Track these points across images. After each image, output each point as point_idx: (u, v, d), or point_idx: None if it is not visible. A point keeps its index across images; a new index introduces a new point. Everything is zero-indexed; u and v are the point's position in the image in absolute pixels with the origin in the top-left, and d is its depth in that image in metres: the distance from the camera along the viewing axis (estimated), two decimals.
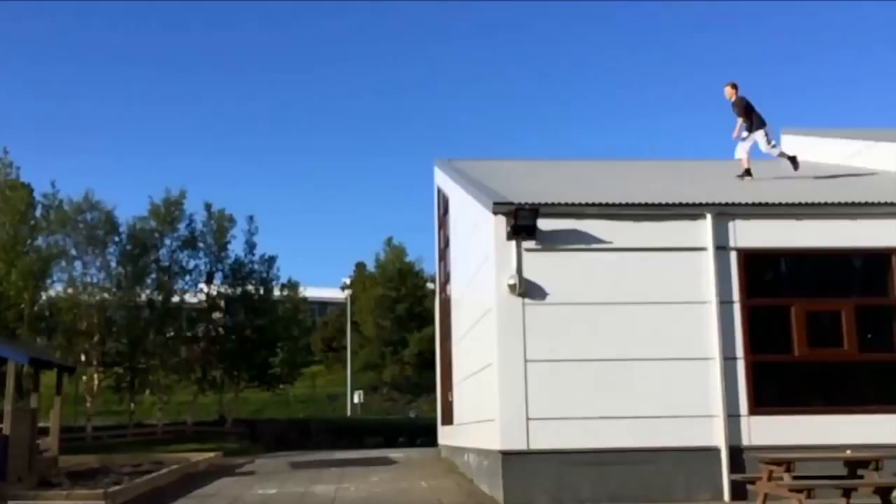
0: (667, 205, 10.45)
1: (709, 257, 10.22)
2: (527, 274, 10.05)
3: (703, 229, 10.30)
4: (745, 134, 13.33)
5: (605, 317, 10.13)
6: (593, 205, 10.32)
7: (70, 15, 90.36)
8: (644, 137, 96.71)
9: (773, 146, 13.48)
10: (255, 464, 18.09)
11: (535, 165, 16.66)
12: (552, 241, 10.20)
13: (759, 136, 13.19)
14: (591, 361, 10.00)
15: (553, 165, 16.57)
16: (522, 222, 9.92)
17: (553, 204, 10.28)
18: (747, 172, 13.37)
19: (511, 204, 10.10)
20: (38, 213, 32.30)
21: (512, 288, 9.97)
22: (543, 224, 10.07)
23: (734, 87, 13.37)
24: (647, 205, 10.40)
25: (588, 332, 10.09)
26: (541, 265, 10.13)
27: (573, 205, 10.33)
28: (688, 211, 10.38)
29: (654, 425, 9.87)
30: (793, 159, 13.35)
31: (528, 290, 10.03)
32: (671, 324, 10.13)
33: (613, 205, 10.35)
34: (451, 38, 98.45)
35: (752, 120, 13.21)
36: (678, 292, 10.22)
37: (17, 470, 13.21)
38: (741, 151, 13.51)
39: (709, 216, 10.29)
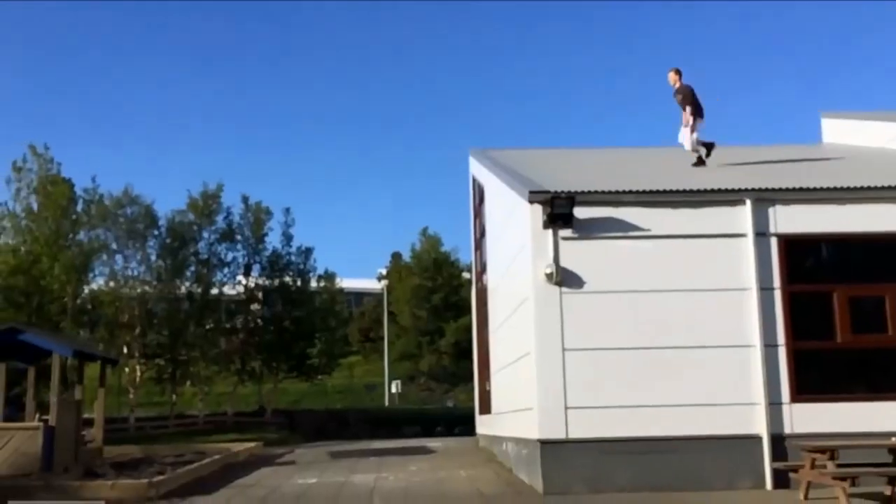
0: (705, 191, 10.32)
1: (748, 243, 10.08)
2: (564, 262, 10.00)
3: (742, 215, 10.16)
4: (690, 120, 12.94)
5: (643, 305, 10.05)
6: (630, 192, 10.23)
7: (110, 10, 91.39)
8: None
9: (696, 140, 13.14)
10: (294, 454, 18.25)
11: (571, 153, 16.58)
12: (589, 230, 10.13)
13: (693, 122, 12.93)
14: (629, 350, 9.93)
15: (588, 153, 16.47)
16: (559, 211, 9.86)
17: (590, 192, 10.21)
18: (700, 161, 13.12)
19: (547, 192, 10.04)
20: (79, 207, 32.80)
21: (549, 277, 9.93)
22: (580, 212, 10.01)
23: (678, 73, 13.07)
24: (685, 191, 10.28)
25: (626, 320, 10.01)
26: (578, 254, 10.07)
27: (610, 192, 10.25)
28: (727, 197, 10.24)
29: (694, 414, 9.78)
30: (709, 146, 13.14)
31: (565, 278, 9.98)
32: (710, 311, 10.01)
33: (651, 192, 10.25)
34: (487, 26, 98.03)
35: (697, 107, 12.90)
36: (717, 279, 10.09)
37: (63, 460, 13.45)
38: (688, 139, 13.08)
39: (748, 202, 10.14)
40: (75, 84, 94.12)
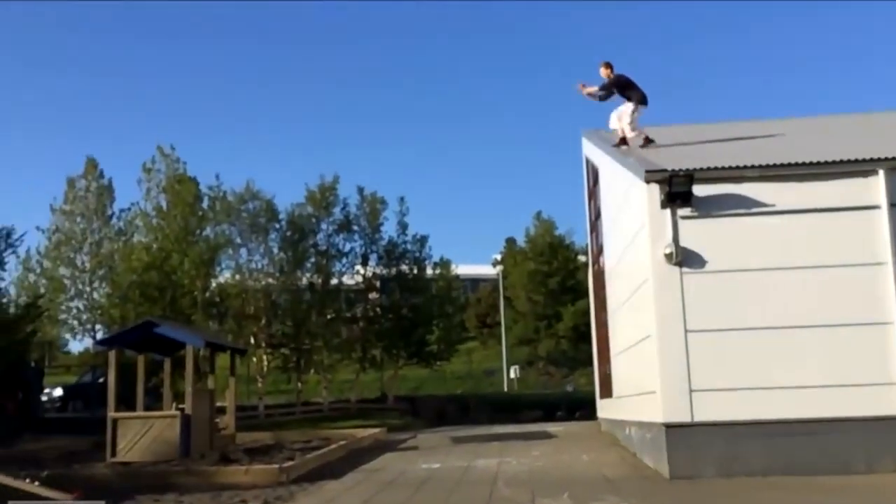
0: (833, 162, 9.84)
1: (882, 215, 9.57)
2: (683, 242, 9.76)
3: (874, 186, 9.65)
4: (630, 107, 12.84)
5: (768, 283, 9.71)
6: (753, 167, 9.87)
7: (231, 7, 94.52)
8: (795, 95, 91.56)
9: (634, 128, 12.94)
10: (417, 439, 18.50)
11: (685, 130, 16.09)
12: (709, 207, 9.86)
13: (629, 108, 12.81)
14: (755, 330, 9.62)
15: (703, 129, 15.96)
16: (677, 189, 9.63)
17: (709, 168, 9.92)
18: (648, 140, 12.80)
19: (664, 171, 9.81)
20: (205, 204, 34.04)
21: (668, 257, 9.72)
22: (699, 190, 9.74)
23: (608, 66, 12.95)
24: (811, 164, 9.84)
25: (751, 299, 9.70)
26: (698, 232, 9.81)
27: (731, 168, 9.92)
28: (857, 168, 9.73)
29: (826, 395, 9.39)
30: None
31: (685, 258, 9.75)
32: (841, 288, 9.58)
33: (775, 165, 9.86)
34: (592, 6, 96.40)
35: (633, 94, 12.78)
36: (848, 254, 9.64)
37: (199, 447, 14.06)
38: (628, 127, 12.97)
39: (881, 172, 9.62)
40: (199, 83, 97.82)
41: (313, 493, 9.88)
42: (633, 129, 13.00)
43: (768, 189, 9.82)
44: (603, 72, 13.10)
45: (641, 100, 12.88)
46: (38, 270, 37.62)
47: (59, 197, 37.50)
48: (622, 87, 12.94)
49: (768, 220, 9.79)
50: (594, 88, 13.14)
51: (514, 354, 49.30)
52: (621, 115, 13.07)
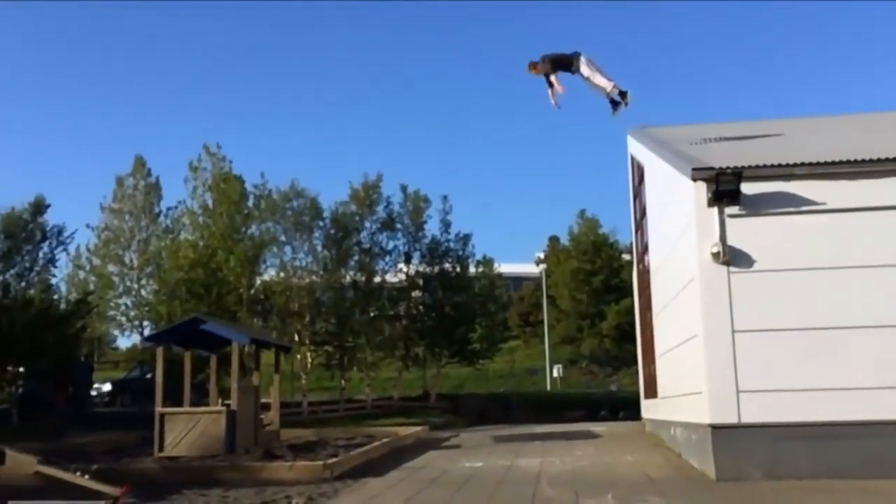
0: (885, 160, 9.60)
1: None
2: (731, 241, 9.61)
3: None
4: (584, 74, 11.55)
5: (818, 283, 9.51)
6: (802, 164, 9.67)
7: (277, 11, 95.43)
8: (843, 93, 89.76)
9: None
10: (459, 437, 18.49)
11: (732, 128, 15.86)
12: (757, 206, 9.68)
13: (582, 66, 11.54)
14: (804, 330, 9.43)
15: (750, 126, 15.71)
16: (724, 187, 9.48)
17: (757, 166, 9.75)
18: (621, 95, 11.66)
19: (711, 169, 9.67)
20: (250, 202, 34.42)
21: (715, 256, 9.58)
22: (747, 188, 9.57)
23: (533, 65, 11.72)
24: (863, 161, 9.61)
25: (800, 299, 9.51)
26: (746, 231, 9.65)
27: (780, 166, 9.74)
28: None
29: (877, 397, 9.15)
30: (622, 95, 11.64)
31: (732, 257, 9.60)
32: (891, 288, 9.35)
33: (825, 163, 9.65)
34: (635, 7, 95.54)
35: (568, 61, 11.58)
36: None
37: (244, 442, 14.18)
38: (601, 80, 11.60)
39: None
40: (245, 84, 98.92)
41: (357, 490, 9.91)
42: (607, 79, 11.76)
43: (818, 187, 9.63)
44: (532, 70, 11.89)
45: (573, 64, 11.68)
46: (88, 268, 38.46)
47: (108, 195, 38.24)
48: (558, 65, 11.73)
49: (818, 219, 9.60)
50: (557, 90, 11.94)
51: (557, 353, 49.10)
52: (591, 78, 11.76)
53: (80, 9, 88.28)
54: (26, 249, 30.76)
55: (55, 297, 33.69)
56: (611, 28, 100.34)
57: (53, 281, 33.78)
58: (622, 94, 11.78)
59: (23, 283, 30.65)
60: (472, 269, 39.09)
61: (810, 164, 9.67)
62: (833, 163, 9.65)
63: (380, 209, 36.73)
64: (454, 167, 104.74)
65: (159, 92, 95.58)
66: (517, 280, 58.75)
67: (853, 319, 9.34)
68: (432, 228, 38.45)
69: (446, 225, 38.30)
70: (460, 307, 37.11)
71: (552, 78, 11.83)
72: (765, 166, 9.77)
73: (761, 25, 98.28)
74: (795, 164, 9.70)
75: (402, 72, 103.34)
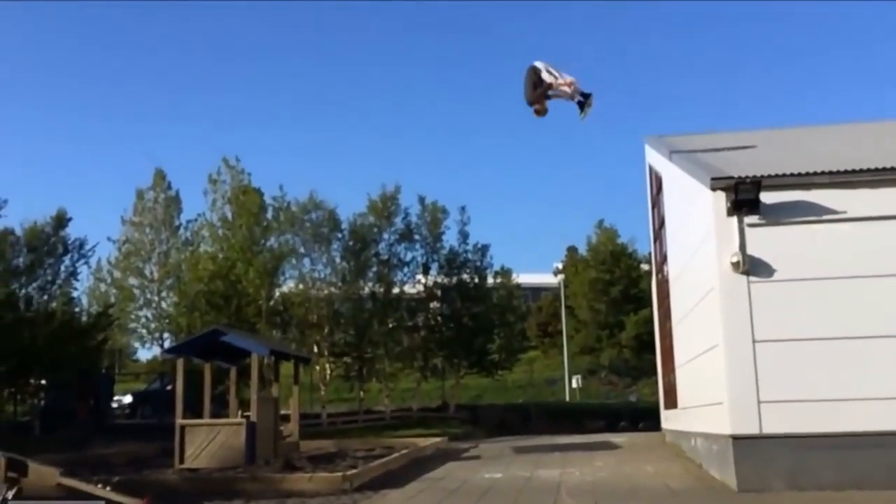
0: None
1: None
2: (751, 250, 9.57)
3: None
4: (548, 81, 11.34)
5: (839, 292, 9.45)
6: (822, 173, 9.63)
7: (299, 12, 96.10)
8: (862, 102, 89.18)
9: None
10: (478, 448, 18.45)
11: (750, 136, 15.76)
12: (777, 215, 9.65)
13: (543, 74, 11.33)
14: (825, 340, 9.37)
15: (768, 135, 15.63)
16: (744, 196, 9.45)
17: (777, 175, 9.72)
18: (584, 96, 11.47)
19: (730, 178, 9.64)
20: (269, 214, 34.57)
21: (735, 266, 9.55)
22: (767, 197, 9.54)
23: (538, 110, 11.57)
24: (885, 169, 9.54)
25: (821, 309, 9.46)
26: (766, 240, 9.61)
27: (799, 174, 9.70)
28: None
29: None
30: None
31: (752, 267, 9.56)
32: None
33: (846, 172, 9.60)
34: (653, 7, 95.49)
35: (548, 77, 11.37)
36: None
37: (264, 453, 14.22)
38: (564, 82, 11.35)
39: None
40: (263, 95, 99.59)
41: (376, 501, 9.92)
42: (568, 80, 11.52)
43: (839, 196, 9.58)
44: (541, 115, 11.75)
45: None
46: (109, 280, 38.71)
47: (128, 208, 38.55)
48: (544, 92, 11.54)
49: (839, 228, 9.55)
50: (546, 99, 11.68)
51: (576, 363, 48.91)
52: (555, 84, 11.44)
53: (106, 8, 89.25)
54: (48, 263, 31.10)
55: (77, 309, 34.02)
56: (623, 31, 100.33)
57: (75, 294, 34.14)
58: (584, 95, 11.64)
59: (45, 296, 30.98)
60: (490, 280, 39.04)
61: (831, 173, 9.62)
62: (854, 171, 9.60)
63: (398, 220, 36.80)
64: (471, 177, 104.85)
65: (173, 97, 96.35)
66: (535, 290, 58.61)
67: (876, 328, 9.28)
68: (450, 239, 38.50)
69: (464, 236, 38.30)
70: (478, 318, 37.05)
71: (543, 101, 11.64)
72: (785, 175, 9.74)
73: (775, 31, 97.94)
74: (816, 173, 9.66)
75: (416, 80, 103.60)
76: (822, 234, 9.57)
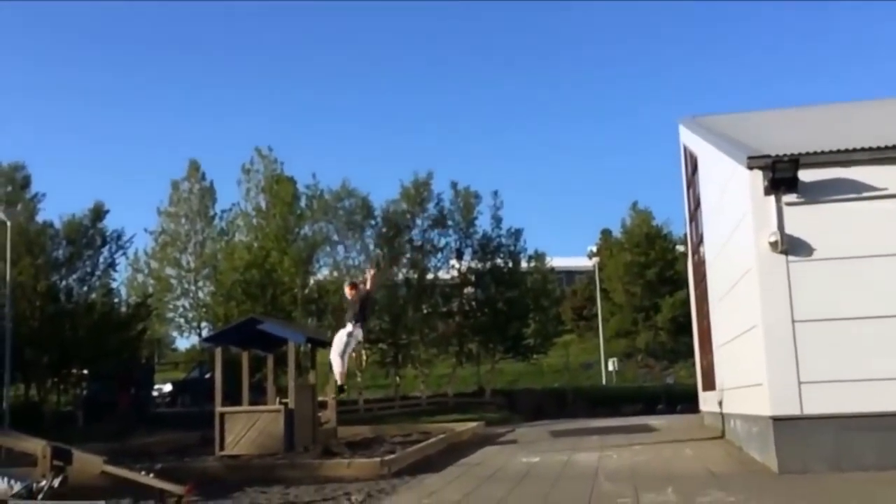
0: None
1: None
2: (789, 230, 9.43)
3: None
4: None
5: (880, 270, 9.29)
6: (862, 150, 9.45)
7: (322, 11, 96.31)
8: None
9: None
10: (515, 433, 18.47)
11: (785, 115, 15.55)
12: (815, 193, 9.49)
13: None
14: (866, 319, 9.22)
15: (804, 112, 15.39)
16: (781, 175, 9.31)
17: (815, 153, 9.55)
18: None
19: (767, 157, 9.50)
20: (302, 203, 34.77)
21: (773, 245, 9.42)
22: (805, 175, 9.39)
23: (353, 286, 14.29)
24: None
25: (861, 287, 9.30)
26: (804, 219, 9.46)
27: (838, 152, 9.53)
28: None
29: None
30: None
31: (791, 246, 9.42)
32: None
33: (886, 147, 9.41)
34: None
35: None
36: None
37: (302, 441, 14.35)
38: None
39: None
40: (294, 85, 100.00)
41: (414, 486, 9.97)
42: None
43: (879, 172, 9.40)
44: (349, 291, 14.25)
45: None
46: (146, 271, 39.30)
47: (164, 200, 39.02)
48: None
49: (880, 205, 9.37)
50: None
51: (612, 347, 48.66)
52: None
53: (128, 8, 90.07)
54: (87, 255, 31.54)
55: (116, 300, 34.52)
56: (656, 12, 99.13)
57: (114, 285, 34.62)
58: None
59: (85, 288, 31.44)
60: (524, 264, 38.88)
61: (871, 149, 9.44)
62: (894, 147, 9.40)
63: (431, 206, 36.75)
64: (504, 161, 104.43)
65: (209, 91, 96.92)
66: (570, 274, 58.35)
67: None
68: (483, 224, 38.35)
69: (497, 220, 38.12)
70: (513, 302, 36.95)
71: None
72: (823, 152, 9.58)
73: (811, 7, 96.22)
74: (855, 150, 9.49)
75: (449, 64, 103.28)
76: (862, 211, 9.40)
